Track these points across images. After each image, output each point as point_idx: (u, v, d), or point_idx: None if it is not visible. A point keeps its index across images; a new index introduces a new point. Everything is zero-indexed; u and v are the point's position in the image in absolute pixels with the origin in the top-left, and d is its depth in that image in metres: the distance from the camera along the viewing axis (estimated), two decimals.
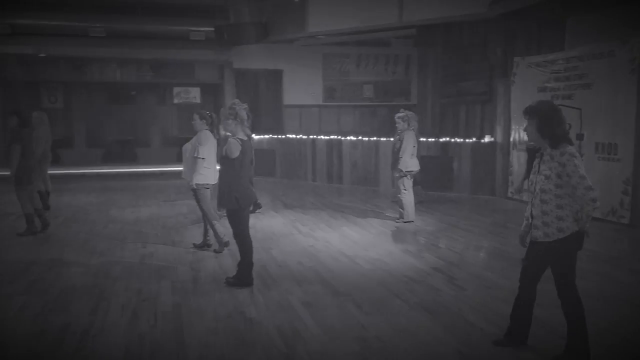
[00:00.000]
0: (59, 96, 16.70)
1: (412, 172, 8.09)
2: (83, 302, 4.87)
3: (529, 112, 3.72)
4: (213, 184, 6.46)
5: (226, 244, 6.49)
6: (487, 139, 10.95)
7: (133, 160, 15.96)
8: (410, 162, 7.97)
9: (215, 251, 6.59)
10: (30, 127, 7.74)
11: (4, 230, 7.83)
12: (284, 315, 4.59)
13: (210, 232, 6.62)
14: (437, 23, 11.41)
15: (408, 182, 8.08)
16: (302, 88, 14.99)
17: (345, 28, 11.81)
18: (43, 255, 6.50)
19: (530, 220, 3.78)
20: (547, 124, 3.62)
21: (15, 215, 8.62)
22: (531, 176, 3.80)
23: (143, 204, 10.06)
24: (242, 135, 5.14)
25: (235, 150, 5.02)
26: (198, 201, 6.49)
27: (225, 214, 5.66)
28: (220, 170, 5.29)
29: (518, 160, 9.65)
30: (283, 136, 13.80)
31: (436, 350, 3.94)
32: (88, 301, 4.89)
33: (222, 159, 5.18)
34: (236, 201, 5.14)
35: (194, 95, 17.66)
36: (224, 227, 6.29)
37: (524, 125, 3.86)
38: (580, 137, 8.47)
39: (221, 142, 6.22)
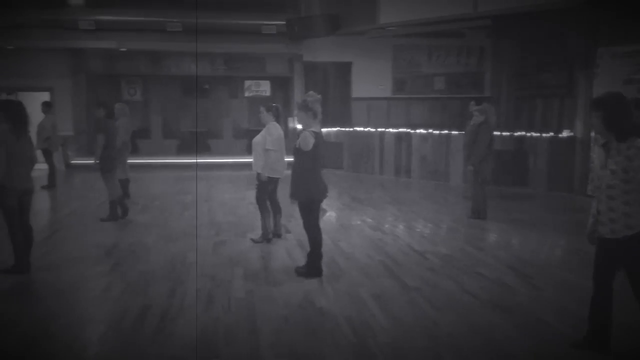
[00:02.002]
0: (137, 89, 17.49)
1: (486, 168, 7.85)
2: (161, 285, 5.10)
3: (595, 104, 3.58)
4: (279, 177, 6.55)
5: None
6: (565, 133, 10.45)
7: (206, 151, 16.46)
8: (484, 157, 7.74)
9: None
10: (114, 118, 8.17)
11: (88, 215, 8.32)
12: (353, 306, 4.60)
13: (271, 221, 6.70)
14: (514, 13, 10.97)
15: (482, 177, 7.85)
16: (371, 80, 14.89)
17: (418, 19, 11.58)
18: (124, 240, 6.85)
19: (597, 216, 3.60)
20: (614, 116, 3.45)
21: (98, 202, 9.15)
22: (598, 171, 3.62)
23: (215, 194, 10.38)
24: (315, 128, 5.15)
25: (308, 143, 5.04)
26: (259, 191, 6.58)
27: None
28: (293, 163, 5.34)
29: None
30: (351, 129, 13.78)
31: (510, 350, 3.82)
32: (166, 285, 5.11)
33: (295, 151, 5.22)
34: (309, 193, 5.19)
35: (264, 88, 17.97)
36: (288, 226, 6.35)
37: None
38: None
39: (289, 135, 6.29)
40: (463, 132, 11.29)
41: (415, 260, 6.02)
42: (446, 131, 11.95)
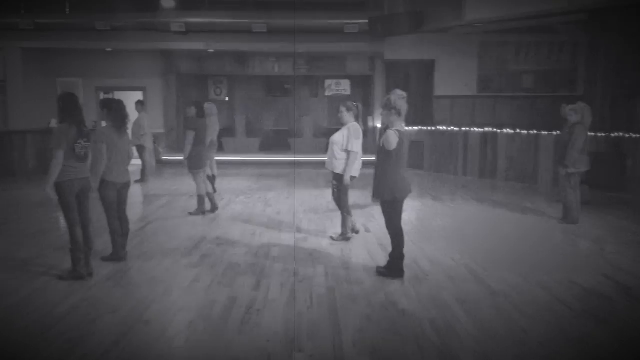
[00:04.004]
0: (223, 89, 18.13)
1: (580, 170, 7.43)
2: (246, 278, 5.25)
3: None
4: (355, 176, 6.52)
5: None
6: None
7: (287, 150, 16.77)
8: (579, 159, 7.33)
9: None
10: (203, 117, 8.50)
11: (177, 209, 8.72)
12: (437, 309, 4.50)
13: (351, 220, 6.69)
14: (612, 6, 10.29)
15: (575, 180, 7.44)
16: (454, 78, 14.50)
17: (506, 15, 11.13)
18: (211, 233, 7.12)
19: None
20: None
21: (187, 196, 9.58)
22: None
23: (296, 191, 10.54)
24: (399, 127, 5.09)
25: (392, 142, 4.98)
26: (339, 191, 6.56)
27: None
28: (376, 162, 5.30)
29: None
30: (433, 128, 13.51)
31: None
32: (251, 278, 5.26)
33: (379, 150, 5.18)
34: (392, 193, 5.14)
35: (344, 87, 18.02)
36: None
37: None
38: None
39: (368, 134, 6.23)
40: (553, 133, 10.77)
41: (503, 265, 5.79)
42: (535, 131, 11.41)
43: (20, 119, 14.51)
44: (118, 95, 14.78)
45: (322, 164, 7.25)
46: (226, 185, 10.96)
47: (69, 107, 5.04)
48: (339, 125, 6.64)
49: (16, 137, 12.35)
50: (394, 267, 5.32)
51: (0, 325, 4.20)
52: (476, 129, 12.53)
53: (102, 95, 15.91)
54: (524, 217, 8.22)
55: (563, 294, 4.85)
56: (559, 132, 9.69)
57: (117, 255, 5.75)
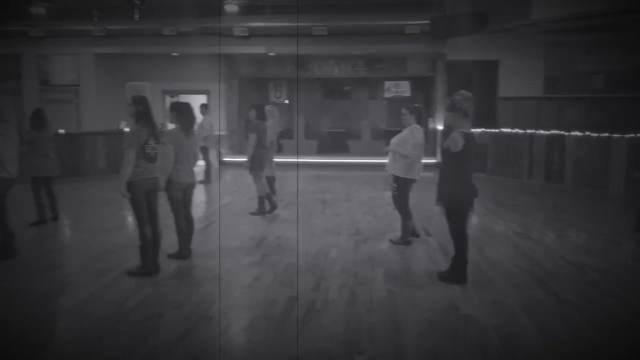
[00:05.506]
0: (282, 91, 18.40)
1: None
2: (306, 278, 5.30)
3: None
4: (416, 179, 6.43)
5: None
6: None
7: (344, 152, 16.80)
8: None
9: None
10: (264, 119, 8.66)
11: (239, 209, 8.91)
12: (501, 316, 4.38)
13: (411, 224, 6.61)
14: None
15: None
16: (519, 79, 14.07)
17: (575, 12, 10.70)
18: (271, 233, 7.23)
19: None
20: None
21: (248, 197, 9.77)
22: None
23: (354, 193, 10.54)
24: (466, 128, 4.98)
25: (458, 144, 4.87)
26: (399, 194, 6.49)
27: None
28: (441, 164, 5.22)
29: None
30: (496, 130, 13.15)
31: None
32: (310, 278, 5.30)
33: (444, 152, 5.09)
34: (457, 196, 5.04)
35: (404, 89, 17.86)
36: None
37: None
38: None
39: (428, 135, 6.13)
40: (626, 135, 10.23)
41: (569, 272, 5.57)
42: (606, 134, 10.88)
43: (92, 121, 15.30)
44: (183, 98, 15.32)
45: (380, 166, 7.23)
46: (286, 186, 11.10)
47: (140, 110, 5.26)
48: (397, 127, 6.58)
49: (88, 138, 13.01)
50: (456, 272, 5.21)
51: (75, 317, 4.43)
52: (542, 131, 12.09)
53: (168, 99, 16.54)
54: (593, 223, 7.85)
55: (637, 306, 4.60)
56: (633, 134, 9.21)
57: (183, 253, 5.94)
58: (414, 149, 6.28)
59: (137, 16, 12.83)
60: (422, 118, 6.60)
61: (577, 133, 11.40)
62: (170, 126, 5.97)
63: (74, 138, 12.87)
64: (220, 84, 16.61)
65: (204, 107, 12.23)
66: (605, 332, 4.11)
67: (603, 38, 13.50)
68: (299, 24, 13.45)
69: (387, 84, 17.90)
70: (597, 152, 10.94)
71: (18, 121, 7.18)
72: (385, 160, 6.76)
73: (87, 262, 5.91)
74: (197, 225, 6.65)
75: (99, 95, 15.75)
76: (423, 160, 6.52)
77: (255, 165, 8.28)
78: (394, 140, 6.49)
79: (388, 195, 9.97)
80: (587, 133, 11.24)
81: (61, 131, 12.62)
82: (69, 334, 4.11)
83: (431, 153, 13.60)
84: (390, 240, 6.71)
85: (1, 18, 14.01)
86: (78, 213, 8.70)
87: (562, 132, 11.70)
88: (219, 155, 14.96)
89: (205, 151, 11.82)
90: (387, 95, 18.04)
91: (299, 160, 15.23)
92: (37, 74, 15.83)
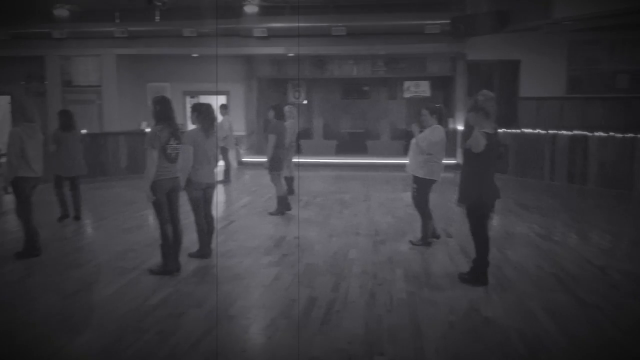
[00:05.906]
0: (301, 92, 18.42)
1: None
2: (326, 279, 5.30)
3: None
4: (436, 180, 6.37)
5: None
6: None
7: (363, 152, 16.75)
8: None
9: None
10: (283, 119, 8.68)
11: (258, 209, 8.95)
12: (523, 318, 4.32)
13: (431, 224, 6.56)
14: None
15: None
16: (541, 79, 13.88)
17: (599, 11, 10.51)
18: (290, 232, 7.25)
19: None
20: None
21: (267, 197, 9.80)
22: None
23: (372, 193, 10.51)
24: (488, 129, 4.93)
25: (480, 144, 4.82)
26: (419, 195, 6.42)
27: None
28: (462, 165, 5.17)
29: None
30: (518, 130, 13.00)
31: None
32: (330, 278, 5.30)
33: (465, 152, 5.04)
34: (479, 197, 4.99)
35: (424, 89, 17.75)
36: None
37: None
38: None
39: (449, 135, 6.05)
40: None
41: (593, 274, 5.48)
42: (631, 134, 10.68)
43: (114, 121, 15.50)
44: (203, 99, 15.44)
45: (399, 166, 7.20)
46: (305, 186, 11.12)
47: (162, 110, 5.32)
48: (419, 127, 6.51)
49: (110, 138, 13.18)
50: (477, 274, 5.16)
51: (99, 314, 4.50)
52: (564, 132, 11.91)
53: (188, 99, 16.68)
54: (617, 225, 7.72)
55: None
56: None
57: (203, 252, 5.99)
58: (433, 148, 6.21)
59: (157, 18, 12.98)
60: (443, 118, 6.52)
61: (601, 133, 11.20)
62: (191, 127, 6.02)
63: (96, 138, 13.05)
64: (239, 85, 16.69)
65: (224, 108, 12.30)
66: (628, 334, 4.04)
67: (627, 37, 13.25)
68: (318, 24, 13.46)
69: (406, 84, 17.81)
70: (622, 153, 10.74)
71: (42, 121, 7.32)
72: (405, 161, 6.72)
73: (110, 261, 5.99)
74: (217, 225, 6.69)
75: (121, 95, 15.95)
76: (443, 161, 6.47)
77: (274, 165, 8.30)
78: (413, 140, 6.41)
79: (407, 195, 9.98)
80: (611, 133, 11.04)
81: (84, 131, 12.79)
82: (92, 331, 4.17)
83: (451, 154, 13.49)
84: (410, 242, 6.67)
85: (25, 21, 14.29)
86: (100, 212, 8.82)
87: (585, 133, 11.51)
88: (238, 155, 15.04)
89: (224, 151, 11.89)
90: (406, 95, 17.94)
91: (317, 160, 15.24)
92: (61, 75, 16.09)
